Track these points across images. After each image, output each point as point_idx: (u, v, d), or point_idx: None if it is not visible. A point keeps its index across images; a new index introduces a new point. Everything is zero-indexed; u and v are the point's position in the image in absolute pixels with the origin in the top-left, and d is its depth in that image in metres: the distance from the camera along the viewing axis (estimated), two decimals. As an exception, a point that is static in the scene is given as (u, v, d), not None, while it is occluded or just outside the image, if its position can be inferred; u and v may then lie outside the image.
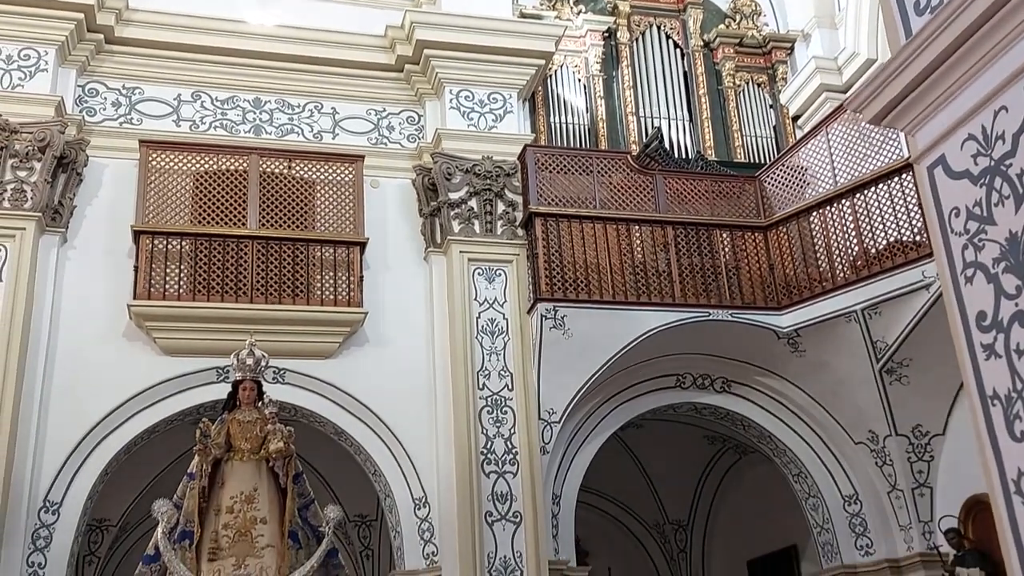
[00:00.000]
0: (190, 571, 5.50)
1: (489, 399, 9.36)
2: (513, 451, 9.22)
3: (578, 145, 11.17)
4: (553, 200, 9.76)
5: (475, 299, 9.64)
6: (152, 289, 9.03)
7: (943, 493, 9.56)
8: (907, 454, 9.64)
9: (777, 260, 9.91)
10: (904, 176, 9.22)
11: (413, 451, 9.30)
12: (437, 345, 9.61)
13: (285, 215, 9.56)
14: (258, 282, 9.21)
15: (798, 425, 10.17)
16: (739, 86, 12.23)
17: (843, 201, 9.62)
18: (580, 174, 9.89)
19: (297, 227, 9.54)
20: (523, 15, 11.17)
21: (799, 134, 11.73)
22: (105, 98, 9.81)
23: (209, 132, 9.91)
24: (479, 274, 9.71)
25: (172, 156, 9.49)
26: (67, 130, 9.19)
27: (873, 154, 9.54)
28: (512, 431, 9.29)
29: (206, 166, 9.56)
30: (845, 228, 9.60)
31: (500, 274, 9.75)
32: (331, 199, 9.74)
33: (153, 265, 9.10)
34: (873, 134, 9.51)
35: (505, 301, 9.69)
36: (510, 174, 9.95)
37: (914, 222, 9.12)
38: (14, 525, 8.14)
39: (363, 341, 9.55)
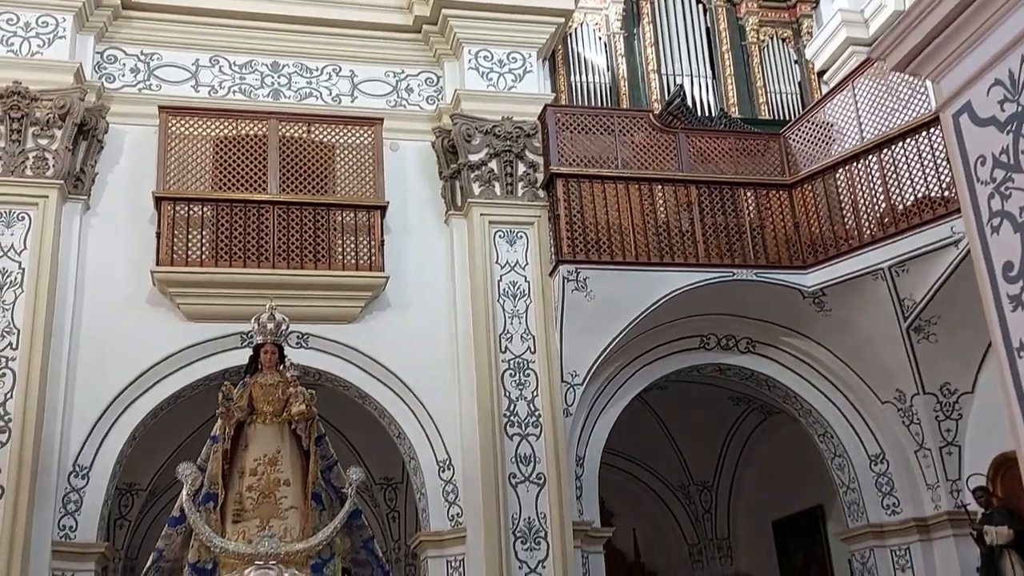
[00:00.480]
0: (215, 533, 5.55)
1: (512, 362, 9.35)
2: (536, 413, 9.22)
3: (599, 104, 11.03)
4: (574, 160, 9.66)
5: (496, 262, 9.60)
6: (175, 255, 9.06)
7: (971, 451, 9.47)
8: (935, 413, 9.54)
9: (802, 218, 9.78)
10: (932, 130, 9.04)
11: (436, 414, 9.32)
12: (459, 308, 9.59)
13: (305, 180, 9.54)
14: (279, 247, 9.22)
15: (824, 385, 10.09)
16: (763, 41, 12.01)
17: (870, 157, 9.47)
18: (601, 134, 9.78)
19: (317, 192, 9.52)
20: (542, -28, 10.99)
21: (825, 89, 11.53)
22: (124, 64, 9.79)
23: (228, 97, 9.88)
24: (500, 237, 9.66)
25: (191, 122, 9.48)
26: (87, 97, 9.20)
27: (900, 108, 9.36)
28: (535, 393, 9.29)
29: (225, 131, 9.54)
30: (872, 184, 9.45)
31: (521, 236, 9.70)
32: (351, 163, 9.71)
33: (175, 231, 9.12)
34: (900, 88, 9.33)
35: (527, 264, 9.64)
36: (530, 135, 9.85)
37: (942, 177, 8.96)
38: (45, 489, 8.27)
39: (385, 305, 9.55)
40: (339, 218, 9.48)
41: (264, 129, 9.58)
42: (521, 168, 9.81)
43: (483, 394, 9.18)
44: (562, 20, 10.50)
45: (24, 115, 8.95)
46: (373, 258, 9.43)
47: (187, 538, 5.74)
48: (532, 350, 9.41)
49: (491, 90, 10.05)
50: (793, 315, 9.83)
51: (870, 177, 9.49)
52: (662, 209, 9.66)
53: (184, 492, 5.66)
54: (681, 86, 11.10)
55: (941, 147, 8.94)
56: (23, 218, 8.81)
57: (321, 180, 9.59)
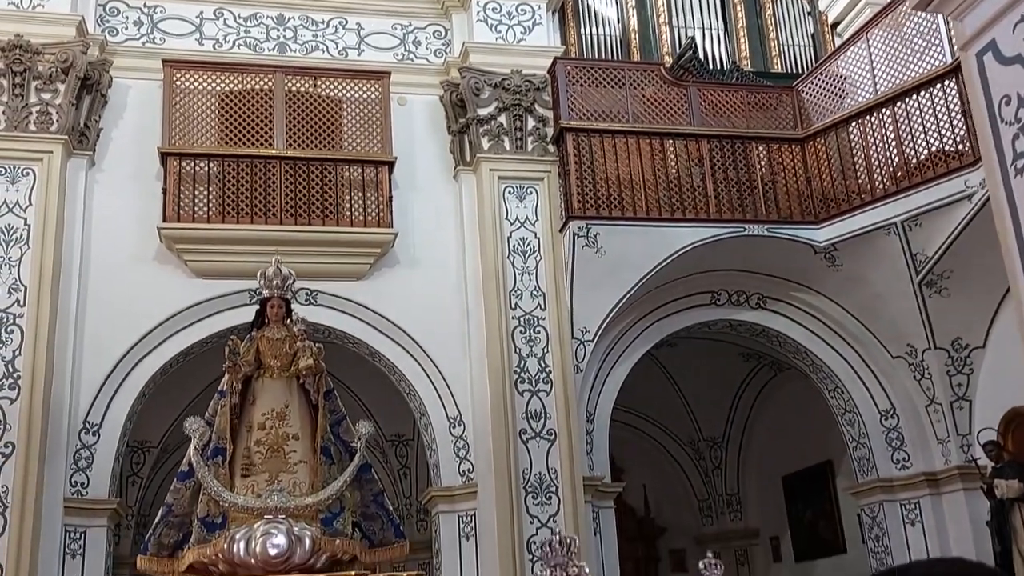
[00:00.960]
0: (224, 487, 5.55)
1: (521, 319, 9.30)
2: (546, 370, 9.19)
3: (610, 57, 10.87)
4: (584, 114, 9.54)
5: (506, 218, 9.51)
6: (181, 211, 9.00)
7: (982, 406, 9.43)
8: (946, 367, 9.49)
9: (815, 172, 9.66)
10: (947, 82, 8.90)
11: (447, 370, 9.30)
12: (468, 265, 9.52)
13: (312, 135, 9.44)
14: (287, 203, 9.15)
15: (834, 340, 10.03)
16: (776, -7, 11.80)
17: (883, 110, 9.33)
18: (612, 87, 9.64)
19: (324, 147, 9.43)
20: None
21: (838, 42, 11.33)
22: (127, 17, 9.66)
23: (233, 51, 9.76)
24: (510, 192, 9.57)
25: (196, 76, 9.37)
26: (89, 51, 9.08)
27: (915, 61, 9.21)
28: (545, 350, 9.25)
29: (231, 86, 9.43)
30: (885, 138, 9.32)
31: (531, 192, 9.60)
32: (358, 117, 9.60)
33: (181, 187, 9.05)
34: (915, 40, 9.16)
35: (536, 219, 9.56)
36: (540, 88, 9.71)
37: (957, 130, 8.84)
38: (56, 446, 8.29)
39: (394, 262, 9.49)
40: (347, 174, 9.40)
41: (270, 83, 9.47)
42: (531, 122, 9.68)
43: (493, 351, 9.15)
44: (571, -29, 10.31)
45: (26, 69, 8.85)
46: (381, 214, 9.35)
47: (196, 492, 5.73)
48: (542, 307, 9.36)
49: (500, 43, 9.90)
50: (804, 270, 9.75)
51: (883, 131, 9.35)
52: (673, 164, 9.55)
53: (192, 446, 5.65)
54: (693, 39, 10.92)
55: (956, 99, 8.81)
56: (27, 174, 8.75)
57: (328, 135, 9.49)
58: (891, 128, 9.26)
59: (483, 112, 9.64)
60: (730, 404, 13.04)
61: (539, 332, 9.30)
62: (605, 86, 9.65)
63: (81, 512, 8.37)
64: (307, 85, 9.58)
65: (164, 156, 9.08)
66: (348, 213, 9.30)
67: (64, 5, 9.13)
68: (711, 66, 10.87)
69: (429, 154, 9.85)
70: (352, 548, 5.62)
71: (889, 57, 9.39)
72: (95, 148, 9.18)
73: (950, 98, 8.85)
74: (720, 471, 13.45)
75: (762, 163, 9.69)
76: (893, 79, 9.25)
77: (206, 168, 9.15)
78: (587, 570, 2.30)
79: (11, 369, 8.29)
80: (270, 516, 5.39)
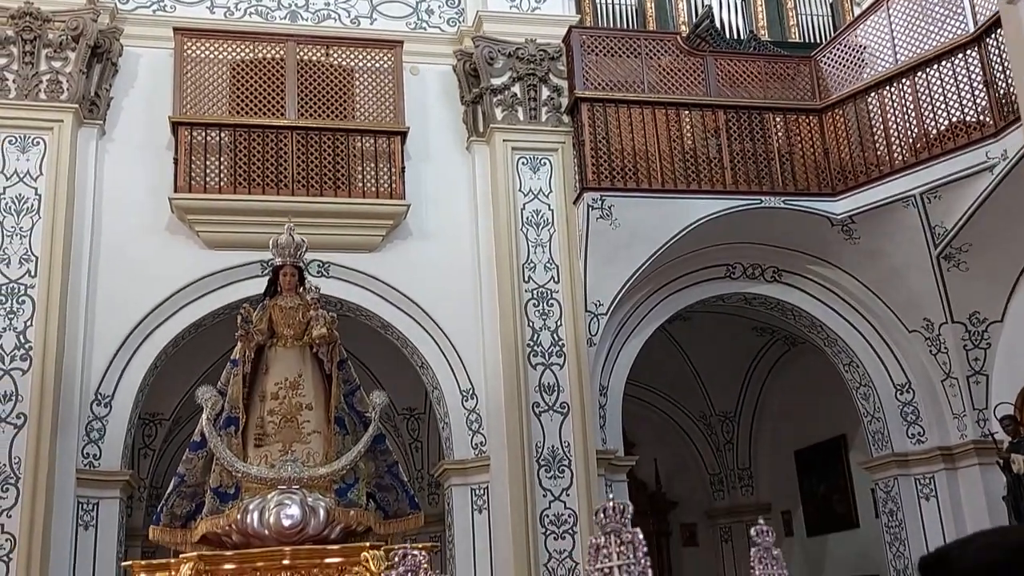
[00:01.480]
0: (237, 457, 5.50)
1: (535, 291, 9.23)
2: (560, 343, 9.12)
3: (625, 26, 10.72)
4: (599, 84, 9.41)
5: (519, 189, 9.41)
6: (193, 182, 8.93)
7: (999, 380, 9.35)
8: (963, 341, 9.40)
9: (832, 144, 9.53)
10: (969, 52, 8.76)
11: (459, 343, 9.24)
12: (482, 237, 9.44)
13: (324, 105, 9.34)
14: (299, 174, 9.07)
15: (850, 314, 9.94)
16: (794, -40, 11.61)
17: (903, 81, 9.19)
18: (627, 57, 9.50)
19: (336, 117, 9.33)
20: None
21: (857, 11, 11.14)
22: (137, -15, 9.54)
23: (244, 19, 9.64)
24: (523, 163, 9.46)
25: (207, 44, 9.27)
26: (100, 18, 8.98)
27: (936, 30, 9.07)
28: (559, 323, 9.18)
29: (242, 54, 9.33)
30: (905, 109, 9.18)
31: (545, 163, 9.49)
32: (370, 87, 9.49)
33: (193, 157, 8.98)
34: (935, 8, 9.00)
35: (550, 191, 9.45)
36: (555, 58, 9.58)
37: (978, 101, 8.71)
38: (68, 417, 8.27)
39: (407, 234, 9.41)
40: (359, 144, 9.30)
41: (281, 52, 9.36)
42: (545, 92, 9.56)
43: (506, 324, 9.08)
44: (586, -62, 10.15)
45: (36, 36, 8.76)
46: (394, 185, 9.26)
47: (208, 463, 5.69)
48: (556, 279, 9.28)
49: (514, 11, 9.76)
50: (821, 243, 9.65)
51: (903, 101, 9.22)
52: (689, 135, 9.42)
53: (204, 416, 5.60)
54: (709, 7, 10.76)
55: (978, 69, 8.68)
56: (38, 143, 8.68)
57: (340, 105, 9.39)
58: (911, 99, 9.12)
59: (497, 82, 9.52)
60: (743, 378, 12.98)
61: (552, 305, 9.23)
62: (620, 56, 9.52)
63: (93, 483, 8.36)
64: (319, 54, 9.47)
65: (175, 125, 9.00)
66: (360, 184, 9.21)
67: (73, -28, 9.01)
68: (728, 35, 10.72)
69: (442, 125, 9.74)
70: (367, 519, 5.58)
71: (909, 26, 9.24)
72: (105, 117, 9.09)
73: (972, 68, 8.71)
74: (732, 445, 13.41)
75: (779, 134, 9.56)
76: (913, 49, 9.10)
77: (217, 138, 9.06)
78: (640, 536, 2.23)
79: (23, 340, 8.26)
80: (284, 486, 5.34)
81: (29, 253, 8.45)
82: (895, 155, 9.15)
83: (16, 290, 8.38)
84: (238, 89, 9.24)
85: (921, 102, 9.01)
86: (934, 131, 8.93)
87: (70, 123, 8.72)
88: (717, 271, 9.93)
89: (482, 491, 8.95)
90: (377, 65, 9.53)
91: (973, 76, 8.70)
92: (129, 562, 5.84)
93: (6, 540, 7.76)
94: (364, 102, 9.45)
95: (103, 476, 8.42)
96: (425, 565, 3.38)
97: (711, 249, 9.71)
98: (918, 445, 9.71)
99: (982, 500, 9.25)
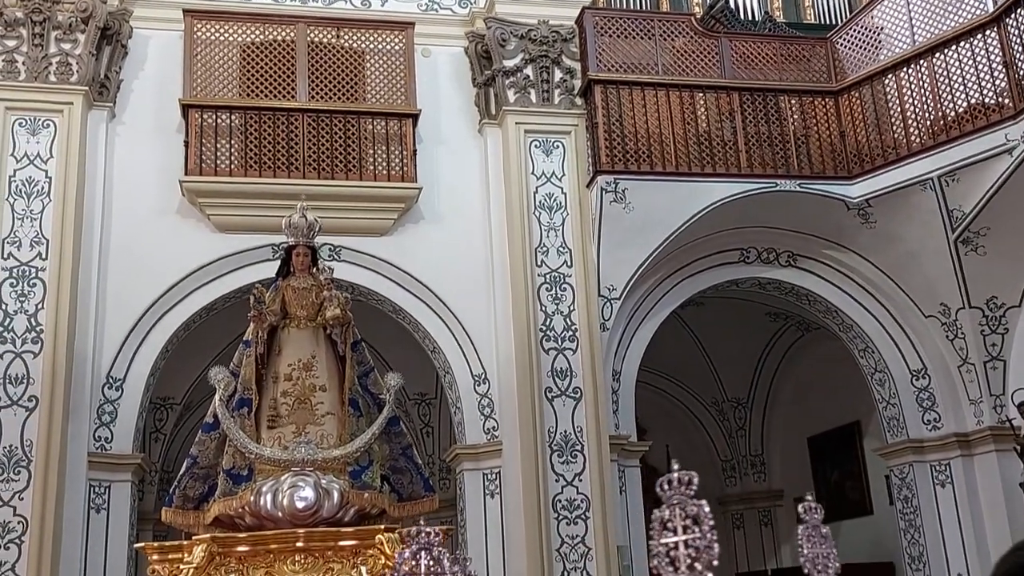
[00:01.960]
0: (249, 439, 5.45)
1: (547, 276, 9.16)
2: (572, 328, 9.06)
3: (639, 7, 10.61)
4: (613, 66, 9.31)
5: (532, 173, 9.33)
6: (203, 164, 8.88)
7: (1017, 366, 9.26)
8: (980, 327, 9.30)
9: (848, 127, 9.42)
10: (988, 32, 8.65)
11: (471, 328, 9.19)
12: (494, 221, 9.37)
13: (335, 87, 9.27)
14: (310, 157, 9.01)
15: (866, 299, 9.85)
16: (810, -59, 11.48)
17: (920, 62, 9.08)
18: (641, 38, 9.40)
19: (347, 99, 9.26)
20: None
21: (874, -7, 11.00)
22: (146, -34, 9.47)
23: (254, 1, 9.55)
24: (536, 146, 9.38)
25: (217, 26, 9.20)
26: (109, 0, 8.91)
27: (954, 11, 8.95)
28: (571, 308, 9.11)
29: (253, 36, 9.26)
30: (922, 91, 9.07)
31: (558, 146, 9.41)
32: (381, 70, 9.41)
33: (203, 140, 8.92)
34: (955, -12, 8.88)
35: (563, 174, 9.37)
36: (568, 39, 9.48)
37: (997, 82, 8.60)
38: (79, 400, 8.25)
39: (418, 218, 9.35)
40: (370, 127, 9.23)
41: (292, 34, 9.29)
42: (558, 74, 9.47)
43: (519, 308, 9.02)
44: (600, -82, 10.03)
45: (46, 18, 8.71)
46: (405, 168, 9.20)
47: (221, 444, 5.64)
48: (568, 264, 9.21)
49: (526, -8, 9.65)
50: (837, 227, 9.55)
51: (920, 83, 9.11)
52: (703, 117, 9.33)
53: (217, 397, 5.55)
54: (724, -12, 10.64)
55: (997, 51, 8.56)
56: (48, 125, 8.63)
57: (351, 87, 9.32)
58: (928, 80, 9.00)
59: (509, 64, 9.43)
60: (755, 364, 12.89)
61: (565, 289, 9.16)
62: (634, 37, 9.41)
63: (105, 467, 8.34)
64: (330, 36, 9.39)
65: (185, 108, 8.94)
66: (372, 167, 9.15)
67: (83, -48, 8.94)
68: (743, 17, 10.62)
69: (454, 107, 9.66)
70: (381, 501, 5.53)
71: (927, 7, 9.13)
72: (115, 100, 9.04)
73: (991, 49, 8.60)
74: (744, 432, 13.34)
75: (795, 117, 9.46)
76: (931, 29, 8.99)
77: (228, 120, 9.01)
78: (707, 508, 2.17)
79: (34, 323, 8.23)
80: (297, 468, 5.30)
81: (40, 236, 8.42)
82: (912, 138, 9.04)
83: (27, 273, 8.35)
84: (249, 71, 9.17)
85: (939, 84, 8.90)
86: (952, 113, 8.82)
87: (80, 105, 8.67)
88: (731, 255, 9.84)
89: (494, 476, 8.91)
90: (388, 47, 9.45)
91: (992, 57, 8.59)
92: (141, 544, 5.80)
93: (18, 523, 7.75)
94: (375, 84, 9.38)
95: (115, 459, 8.40)
96: (439, 543, 3.33)
97: (725, 233, 9.62)
98: (934, 431, 9.63)
99: (999, 487, 9.16)
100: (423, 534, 3.25)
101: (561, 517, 8.60)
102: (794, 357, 12.51)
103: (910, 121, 9.13)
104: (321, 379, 5.67)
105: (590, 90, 9.23)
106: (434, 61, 9.70)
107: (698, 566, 2.20)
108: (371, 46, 9.43)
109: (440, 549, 3.29)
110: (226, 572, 5.11)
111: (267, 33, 9.28)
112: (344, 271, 9.01)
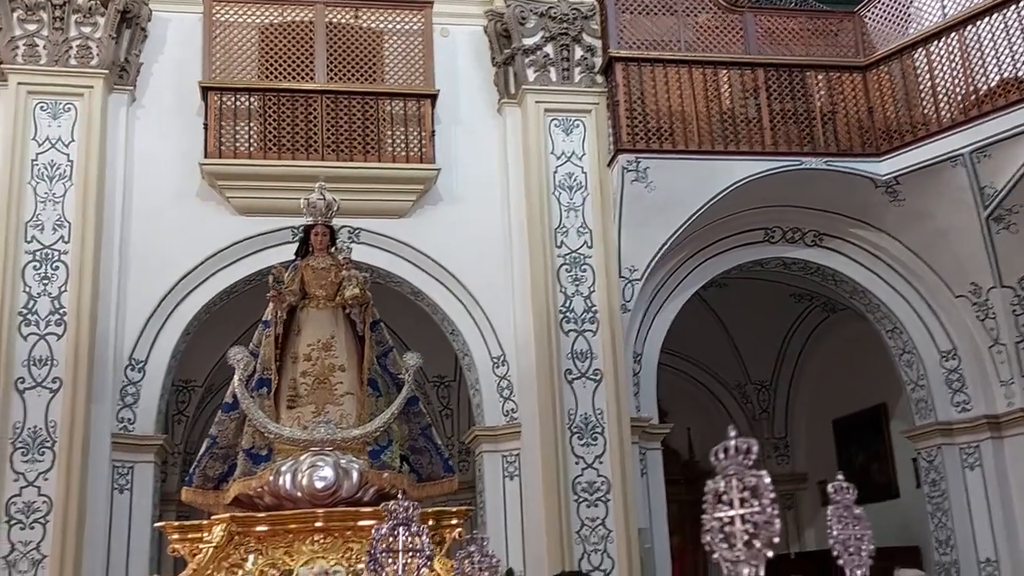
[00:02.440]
0: (269, 419, 5.43)
1: (567, 257, 9.07)
2: (593, 309, 8.97)
3: (661, -17, 10.44)
4: (635, 43, 9.19)
5: (552, 152, 9.24)
6: (223, 147, 8.86)
7: (1050, 347, 9.07)
8: (1012, 306, 9.13)
9: (877, 102, 9.25)
10: (1021, 3, 8.44)
11: (490, 310, 9.13)
12: (513, 202, 9.29)
13: (353, 68, 9.22)
14: (328, 138, 8.97)
15: (894, 279, 9.69)
16: (836, -87, 11.25)
17: (951, 35, 8.89)
18: (663, 14, 9.27)
19: (366, 80, 9.20)
20: None
21: (902, -34, 10.79)
22: (165, -53, 9.43)
23: (272, -19, 9.49)
24: (556, 125, 9.28)
25: (236, 8, 9.16)
26: (128, -18, 8.89)
27: (987, -19, 8.73)
28: (592, 289, 9.03)
29: (271, 18, 9.21)
30: (953, 65, 8.88)
31: (578, 125, 9.30)
32: (399, 50, 9.35)
33: (222, 122, 8.90)
34: (987, -41, 8.67)
35: (584, 154, 9.27)
36: (588, 16, 9.36)
37: (1031, 56, 8.38)
38: (102, 381, 8.28)
39: (437, 199, 9.29)
40: (388, 107, 9.17)
41: (311, 15, 9.23)
42: (578, 52, 9.35)
43: (538, 290, 8.94)
44: None
45: (66, 2, 8.70)
46: (424, 149, 9.13)
47: (241, 424, 5.63)
48: (589, 244, 9.11)
49: (546, -31, 9.53)
50: (864, 205, 9.39)
51: (951, 57, 8.92)
52: (727, 94, 9.19)
53: (236, 377, 5.52)
54: (747, -37, 10.45)
55: (1029, 24, 8.35)
56: (69, 109, 8.64)
57: (369, 68, 9.26)
58: (959, 54, 8.82)
59: (529, 42, 9.32)
60: (779, 346, 12.76)
61: (585, 271, 9.07)
62: (656, 13, 9.28)
63: (128, 448, 8.38)
64: (348, 17, 9.34)
65: (205, 90, 8.92)
66: (390, 148, 9.09)
67: (101, -66, 8.91)
68: (768, -9, 10.42)
69: (472, 87, 9.58)
70: (400, 482, 5.48)
71: (958, -21, 8.92)
72: (135, 83, 9.04)
73: (1024, 21, 8.39)
74: (768, 415, 13.22)
75: (821, 93, 9.30)
76: (963, 1, 8.78)
77: (247, 103, 8.98)
78: (767, 479, 2.01)
79: (57, 305, 8.26)
80: (317, 448, 5.26)
81: (62, 219, 8.44)
82: (943, 113, 8.87)
83: (50, 256, 8.37)
84: (267, 53, 9.14)
85: (970, 57, 8.71)
86: (984, 87, 8.63)
87: (100, 89, 8.67)
88: (755, 235, 9.71)
89: (513, 458, 8.86)
90: (407, 27, 9.37)
91: (1025, 29, 8.38)
92: (162, 523, 5.80)
93: (43, 503, 7.80)
94: (394, 65, 9.31)
95: (137, 440, 8.44)
96: (416, 517, 3.22)
97: (749, 213, 9.49)
98: (963, 413, 9.48)
99: (1029, 469, 9.02)
100: (400, 508, 3.15)
101: (581, 499, 8.54)
102: (819, 338, 12.37)
103: (940, 96, 8.95)
104: (340, 359, 5.63)
105: (611, 68, 9.11)
106: (452, 41, 9.61)
107: (757, 543, 1.96)
108: (389, 26, 9.36)
109: (419, 525, 3.19)
110: (245, 552, 5.09)
111: (285, 14, 9.23)
112: (363, 253, 8.97)
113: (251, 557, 5.07)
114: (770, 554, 1.95)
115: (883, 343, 10.07)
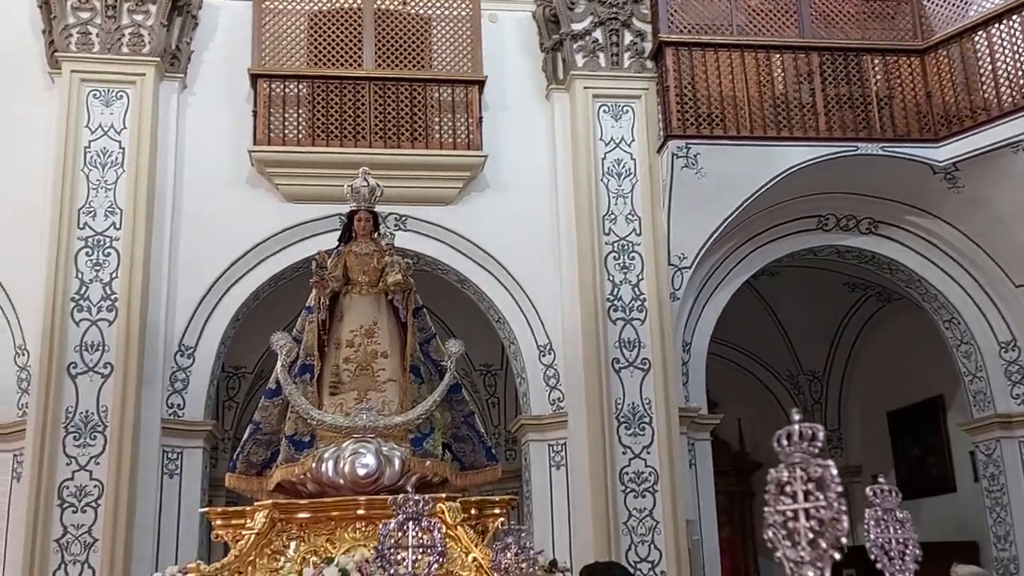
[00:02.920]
0: (312, 405, 5.42)
1: (616, 244, 8.97)
2: (641, 298, 8.86)
3: (712, -33, 10.25)
4: (685, 28, 9.03)
5: (600, 138, 9.13)
6: (271, 134, 8.90)
7: (1114, 339, 8.77)
8: (1076, 297, 8.83)
9: (935, 87, 8.98)
10: (1089, -16, 8.10)
11: (537, 298, 9.06)
12: (560, 189, 9.20)
13: (401, 55, 9.19)
14: (376, 125, 8.96)
15: (951, 267, 9.44)
16: None
17: (1013, 17, 8.60)
18: (715, -2, 9.09)
19: (413, 67, 9.17)
20: None
21: (963, -55, 10.46)
22: (214, -64, 9.48)
23: (320, -32, 9.50)
24: (605, 111, 9.17)
25: (284, -5, 9.17)
26: (179, -29, 8.97)
27: (1052, -40, 8.41)
28: (640, 277, 8.92)
29: (320, 5, 9.22)
30: (1014, 48, 8.59)
31: (627, 111, 9.18)
32: (447, 36, 9.30)
33: (271, 110, 8.94)
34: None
35: (633, 140, 9.15)
36: (638, 1, 9.22)
37: (1099, 37, 8.06)
38: (152, 367, 8.38)
39: (484, 186, 9.24)
40: (436, 94, 9.13)
41: (359, 2, 9.22)
42: (628, 37, 9.21)
43: (585, 278, 8.86)
44: None
45: (117, -10, 8.79)
46: (471, 136, 9.08)
47: (284, 410, 5.62)
48: (637, 232, 9.00)
49: (595, -47, 9.41)
50: (921, 192, 9.14)
51: (1012, 39, 8.63)
52: (780, 79, 8.99)
53: (279, 363, 5.52)
54: (802, -55, 10.21)
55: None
56: (121, 96, 8.74)
57: (417, 55, 9.23)
58: (1021, 36, 8.52)
59: (577, 27, 9.22)
60: (833, 336, 12.52)
61: (634, 258, 8.96)
62: (707, -3, 9.11)
63: (178, 433, 8.48)
64: (396, 3, 9.31)
65: (254, 78, 8.96)
66: (437, 135, 9.06)
67: (152, -78, 8.99)
68: (823, -26, 10.16)
69: (520, 73, 9.50)
70: (442, 470, 5.45)
71: (1021, -43, 8.61)
72: (186, 71, 9.11)
73: (1091, 1, 8.08)
74: (820, 406, 12.98)
75: (877, 77, 9.05)
76: (1026, -19, 8.48)
77: (296, 90, 9.00)
78: (833, 470, 1.83)
79: (108, 291, 8.38)
80: (359, 435, 5.24)
81: (114, 206, 8.54)
82: (1003, 98, 8.58)
83: (102, 242, 8.49)
84: (316, 40, 9.15)
85: (1033, 40, 8.41)
86: (1047, 71, 8.33)
87: (152, 77, 8.76)
88: (808, 223, 9.51)
89: (560, 447, 8.80)
90: (455, 13, 9.32)
91: (1092, 10, 8.08)
92: (205, 509, 5.84)
93: (95, 486, 7.93)
94: (441, 51, 9.27)
95: (187, 426, 8.53)
96: (437, 511, 3.05)
97: (802, 200, 9.30)
98: (1023, 406, 9.20)
99: (1092, 464, 8.74)
100: (410, 502, 2.99)
101: (628, 490, 8.46)
102: (874, 328, 12.10)
103: (1001, 80, 8.66)
104: (383, 345, 5.60)
105: (661, 53, 8.96)
106: (500, 27, 9.55)
107: (822, 543, 1.79)
108: (437, 12, 9.32)
109: (431, 519, 3.03)
110: (287, 538, 5.09)
111: (334, 1, 9.23)
112: (409, 240, 8.96)
113: (293, 544, 5.07)
114: (837, 556, 1.79)
115: (939, 333, 9.82)
